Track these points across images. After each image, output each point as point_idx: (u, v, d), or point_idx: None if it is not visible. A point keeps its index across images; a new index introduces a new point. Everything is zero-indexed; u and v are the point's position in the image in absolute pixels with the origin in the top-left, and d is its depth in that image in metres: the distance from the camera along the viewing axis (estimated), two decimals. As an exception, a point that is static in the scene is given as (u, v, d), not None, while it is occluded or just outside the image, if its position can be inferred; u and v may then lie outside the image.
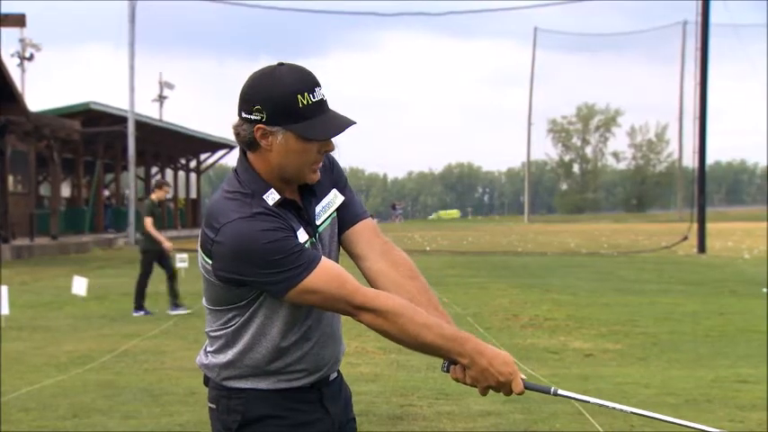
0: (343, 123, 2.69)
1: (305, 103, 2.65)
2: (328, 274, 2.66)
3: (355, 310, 2.66)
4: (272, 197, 2.72)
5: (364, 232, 2.90)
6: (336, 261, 2.84)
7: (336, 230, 2.89)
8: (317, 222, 2.81)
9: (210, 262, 2.70)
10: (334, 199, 2.86)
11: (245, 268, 2.63)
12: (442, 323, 2.77)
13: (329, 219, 2.85)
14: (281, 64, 2.71)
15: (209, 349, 2.85)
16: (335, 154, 2.86)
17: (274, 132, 2.67)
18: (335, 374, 2.93)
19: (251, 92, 2.67)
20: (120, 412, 7.68)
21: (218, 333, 2.80)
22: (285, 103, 2.65)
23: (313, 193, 2.83)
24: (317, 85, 2.69)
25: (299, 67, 2.71)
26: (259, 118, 2.67)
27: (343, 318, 2.88)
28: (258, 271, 2.63)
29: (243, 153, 2.78)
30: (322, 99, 2.68)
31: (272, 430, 2.77)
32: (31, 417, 7.55)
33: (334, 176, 2.91)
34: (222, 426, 2.81)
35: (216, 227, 2.66)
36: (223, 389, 2.80)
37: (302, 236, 2.73)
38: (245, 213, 2.66)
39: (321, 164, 2.77)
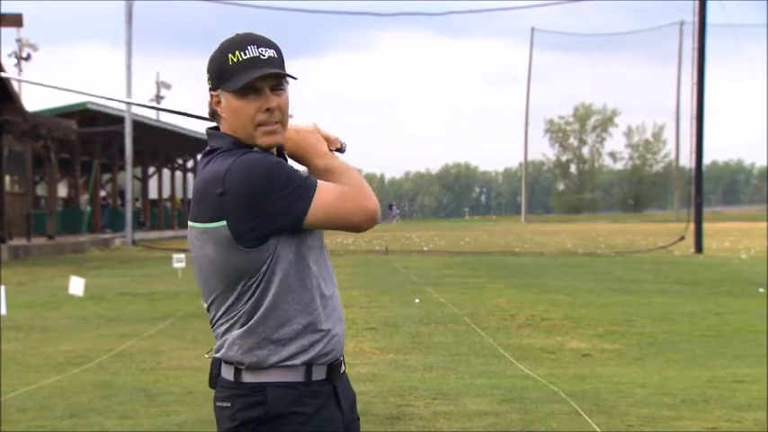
0: (255, 72, 2.67)
1: (234, 60, 2.69)
2: (328, 188, 2.72)
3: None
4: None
5: None
6: None
7: None
8: None
9: (225, 224, 2.66)
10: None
11: (264, 198, 2.62)
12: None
13: None
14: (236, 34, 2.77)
15: (227, 335, 2.76)
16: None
17: (218, 96, 2.75)
18: (343, 368, 2.92)
19: (207, 64, 2.78)
20: (117, 412, 7.68)
21: (233, 315, 2.74)
22: (219, 65, 2.72)
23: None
24: (255, 43, 2.70)
25: (245, 33, 2.75)
26: (209, 86, 2.76)
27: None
28: (279, 193, 2.62)
29: (216, 128, 2.83)
30: (256, 56, 2.68)
31: (287, 428, 2.72)
32: (29, 417, 7.55)
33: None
34: (240, 423, 2.72)
35: (219, 178, 2.65)
36: (241, 386, 2.73)
37: None
38: (240, 154, 2.70)
39: (273, 127, 2.72)
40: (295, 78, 2.77)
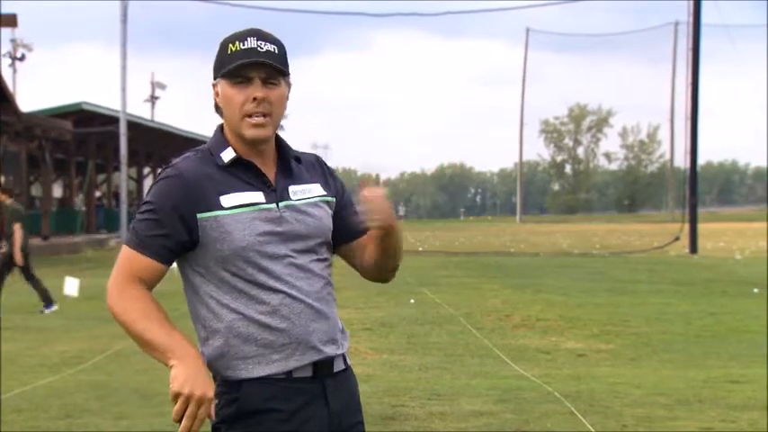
0: (250, 57, 2.69)
1: (233, 50, 2.71)
2: (127, 257, 2.71)
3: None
4: (227, 154, 2.76)
5: (362, 247, 2.95)
6: (324, 239, 2.84)
7: (326, 215, 2.86)
8: (292, 198, 2.78)
9: None
10: (313, 191, 2.85)
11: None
12: (170, 327, 2.76)
13: (307, 200, 2.81)
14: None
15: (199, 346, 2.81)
16: (323, 155, 2.90)
17: (216, 85, 2.78)
18: (342, 367, 2.85)
19: None
20: (111, 413, 7.68)
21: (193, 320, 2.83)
22: (219, 55, 2.76)
23: (288, 174, 2.82)
24: (254, 35, 2.73)
25: (251, 27, 2.78)
26: (213, 78, 2.80)
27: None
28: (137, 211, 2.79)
29: (222, 125, 2.87)
30: (254, 47, 2.71)
31: (266, 426, 2.70)
32: (24, 417, 7.54)
33: (328, 182, 2.92)
34: (221, 419, 2.73)
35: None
36: (223, 383, 2.74)
37: (254, 197, 2.72)
38: (174, 163, 2.79)
39: (261, 120, 2.72)
40: (287, 74, 2.77)
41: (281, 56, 2.75)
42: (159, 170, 2.84)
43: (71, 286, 16.03)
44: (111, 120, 39.58)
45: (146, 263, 2.69)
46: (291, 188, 2.79)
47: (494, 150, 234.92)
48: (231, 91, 2.72)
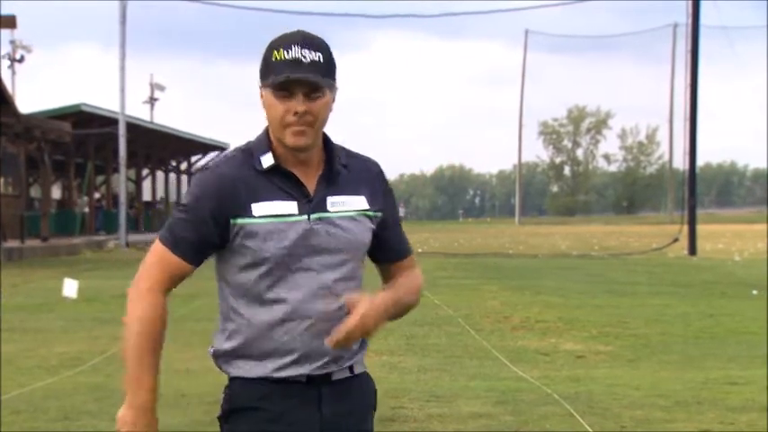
0: (292, 73, 2.63)
1: (278, 58, 2.64)
2: (158, 251, 2.74)
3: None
4: (266, 160, 2.72)
5: (398, 271, 2.91)
6: (359, 251, 2.80)
7: (368, 232, 2.81)
8: (330, 209, 2.73)
9: None
10: (354, 203, 2.77)
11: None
12: (153, 382, 2.93)
13: (344, 213, 2.75)
14: (299, 30, 2.73)
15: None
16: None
17: (261, 89, 2.72)
18: (347, 374, 2.79)
19: None
20: (110, 414, 7.63)
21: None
22: (265, 60, 2.68)
23: (331, 182, 2.75)
24: (298, 43, 2.65)
25: (300, 31, 2.71)
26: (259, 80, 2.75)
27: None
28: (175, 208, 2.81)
29: None
30: (297, 58, 2.63)
31: (253, 424, 2.73)
32: (22, 419, 7.54)
33: (377, 195, 2.83)
34: (219, 414, 2.82)
35: None
36: (228, 380, 2.80)
37: (286, 207, 2.69)
38: (215, 159, 2.82)
39: (302, 128, 2.67)
40: (332, 86, 2.70)
41: (326, 64, 2.67)
42: (197, 168, 2.82)
43: (70, 288, 16.02)
44: (110, 121, 39.60)
45: (175, 261, 2.73)
46: (330, 199, 2.74)
47: (493, 152, 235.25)
48: (274, 101, 2.67)
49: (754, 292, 17.52)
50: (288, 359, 2.71)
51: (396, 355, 10.57)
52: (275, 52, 2.66)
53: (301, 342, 2.71)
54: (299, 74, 2.63)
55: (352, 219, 2.75)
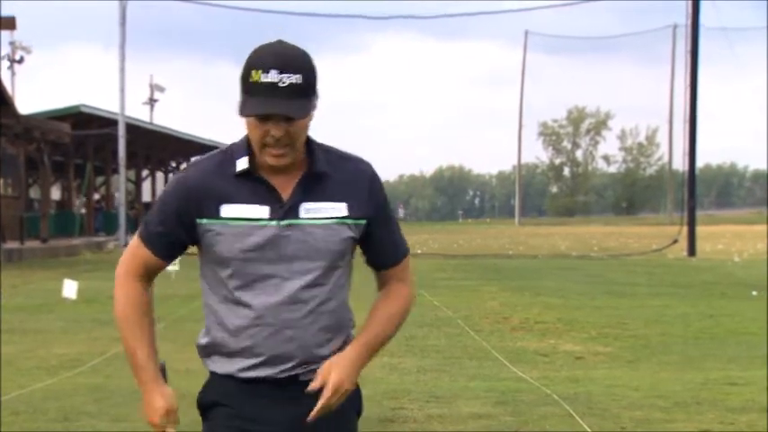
0: (261, 108, 2.58)
1: (256, 79, 2.57)
2: (134, 244, 2.85)
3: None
4: (241, 164, 2.69)
5: (388, 280, 2.96)
6: (335, 264, 2.77)
7: (345, 240, 2.76)
8: (302, 216, 2.68)
9: None
10: (330, 210, 2.72)
11: None
12: (147, 351, 2.94)
13: (318, 220, 2.70)
14: (279, 41, 2.66)
15: None
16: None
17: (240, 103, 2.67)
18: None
19: None
20: (109, 415, 7.67)
21: None
22: (244, 75, 2.61)
23: (309, 189, 2.69)
24: (276, 68, 2.56)
25: (280, 46, 2.63)
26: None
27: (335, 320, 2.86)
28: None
29: None
30: (274, 83, 2.56)
31: (217, 419, 2.78)
32: (22, 419, 7.54)
33: (362, 201, 2.76)
34: (196, 404, 2.89)
35: None
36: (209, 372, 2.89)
37: (256, 211, 2.67)
38: (194, 162, 2.82)
39: (281, 151, 2.62)
40: (307, 114, 2.64)
41: (306, 85, 2.59)
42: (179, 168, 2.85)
43: (69, 289, 16.01)
44: (109, 122, 39.59)
45: (147, 255, 2.82)
46: (305, 205, 2.68)
47: (492, 153, 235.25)
48: (250, 121, 2.63)
49: (754, 292, 17.53)
50: (254, 361, 2.74)
51: (395, 356, 10.57)
52: (253, 72, 2.58)
53: (266, 347, 2.72)
54: (275, 105, 2.56)
55: (326, 226, 2.71)
